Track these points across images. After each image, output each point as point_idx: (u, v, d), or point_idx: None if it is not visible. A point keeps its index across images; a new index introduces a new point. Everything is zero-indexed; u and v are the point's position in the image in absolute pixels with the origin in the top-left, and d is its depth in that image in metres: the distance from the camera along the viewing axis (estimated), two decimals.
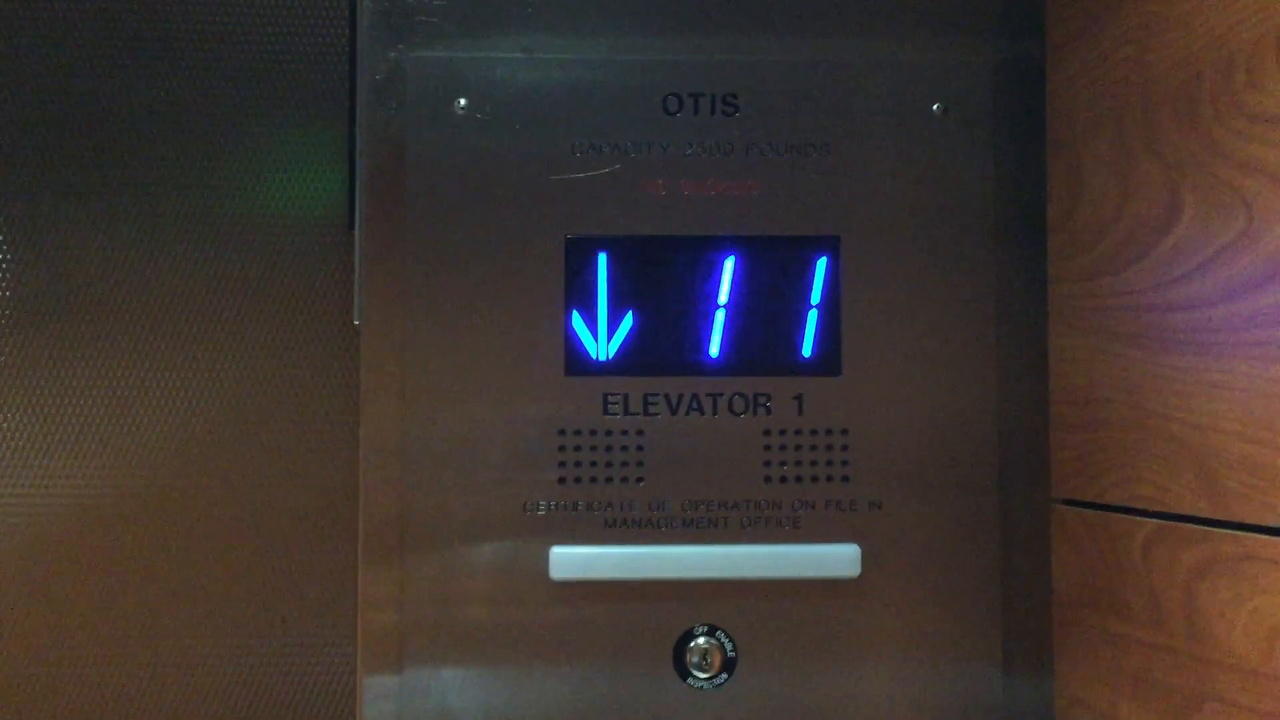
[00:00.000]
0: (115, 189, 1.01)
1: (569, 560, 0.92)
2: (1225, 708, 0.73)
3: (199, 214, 1.02)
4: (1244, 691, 0.71)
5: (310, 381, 1.03)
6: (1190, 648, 0.76)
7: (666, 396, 0.93)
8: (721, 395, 0.94)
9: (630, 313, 0.93)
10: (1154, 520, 0.80)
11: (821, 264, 0.94)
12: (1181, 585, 0.77)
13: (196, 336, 1.02)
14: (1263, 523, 0.69)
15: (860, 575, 0.93)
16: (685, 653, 0.93)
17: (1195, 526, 0.75)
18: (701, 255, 0.94)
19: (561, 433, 0.93)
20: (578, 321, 0.93)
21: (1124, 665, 0.84)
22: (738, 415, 0.93)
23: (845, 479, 0.93)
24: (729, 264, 0.94)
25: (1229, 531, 0.72)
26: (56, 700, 1.02)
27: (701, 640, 0.93)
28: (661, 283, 0.94)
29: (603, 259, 0.93)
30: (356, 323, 0.94)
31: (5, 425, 1.01)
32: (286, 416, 1.03)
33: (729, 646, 0.93)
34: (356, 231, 0.94)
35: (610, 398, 0.93)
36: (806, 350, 0.94)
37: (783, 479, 0.93)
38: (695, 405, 0.93)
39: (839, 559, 0.93)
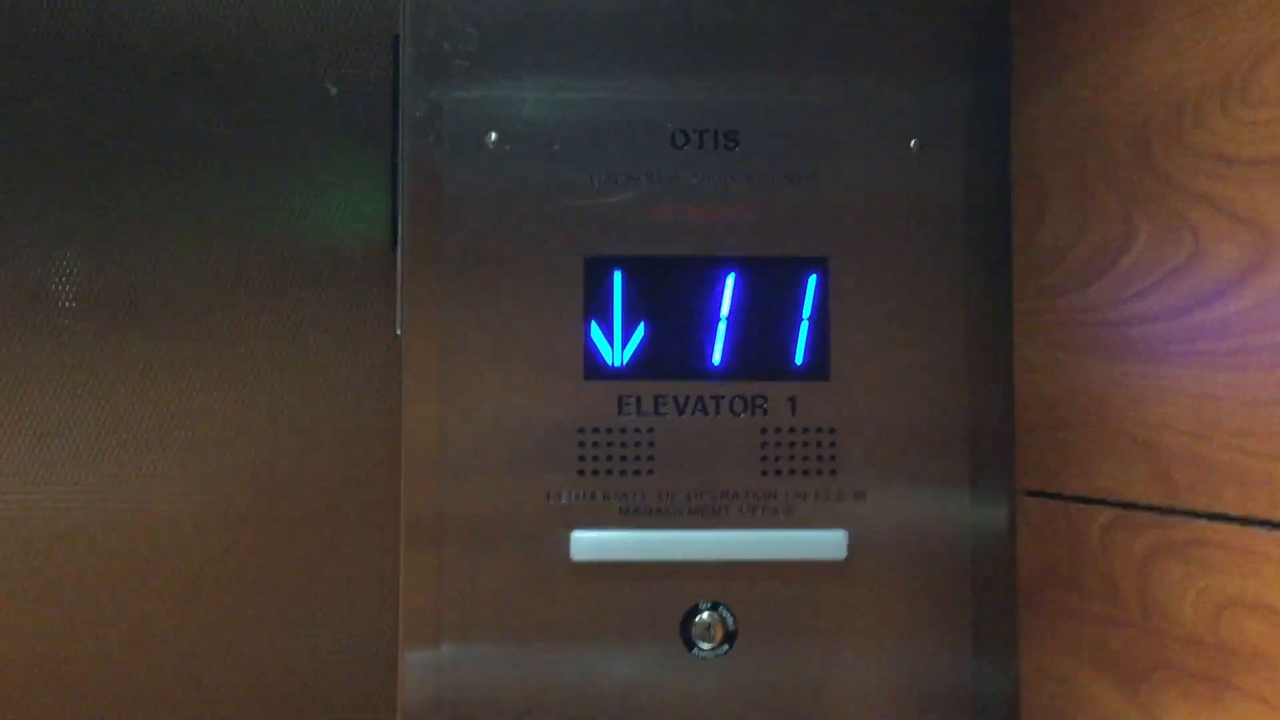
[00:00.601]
0: (180, 212, 1.02)
1: (588, 543, 0.94)
2: (1176, 674, 0.75)
3: (257, 235, 1.02)
4: (1194, 659, 0.73)
5: (357, 387, 1.03)
6: (1144, 622, 0.78)
7: (675, 398, 0.95)
8: (723, 397, 0.96)
9: (642, 324, 0.95)
10: (1111, 509, 0.82)
11: (812, 281, 0.96)
12: (1136, 567, 0.79)
13: (249, 343, 1.02)
14: (1210, 510, 0.71)
15: (847, 558, 0.95)
16: (691, 626, 0.95)
17: (1149, 514, 0.77)
18: (705, 273, 0.96)
19: (581, 431, 0.95)
20: (595, 332, 0.95)
21: (1083, 637, 0.86)
22: (738, 415, 0.95)
23: (833, 472, 0.96)
24: (729, 281, 0.96)
25: (1180, 519, 0.74)
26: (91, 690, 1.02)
27: (706, 615, 0.95)
28: (670, 297, 0.96)
29: (618, 276, 0.95)
30: (398, 334, 0.95)
31: (67, 429, 1.01)
32: (334, 418, 1.03)
33: (730, 620, 0.95)
34: (398, 252, 0.96)
35: (624, 399, 0.95)
36: (799, 358, 0.96)
37: (778, 472, 0.95)
38: (700, 406, 0.95)
39: (828, 543, 0.95)
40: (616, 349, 0.95)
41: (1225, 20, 0.71)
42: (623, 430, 0.95)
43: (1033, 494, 0.93)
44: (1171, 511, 0.75)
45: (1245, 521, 0.69)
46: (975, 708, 0.96)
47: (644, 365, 0.96)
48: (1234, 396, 0.70)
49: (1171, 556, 0.75)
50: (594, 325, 0.95)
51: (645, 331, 0.96)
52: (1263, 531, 0.68)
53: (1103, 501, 0.83)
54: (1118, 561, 0.81)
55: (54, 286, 1.00)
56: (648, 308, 0.96)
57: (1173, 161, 0.75)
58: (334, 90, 0.99)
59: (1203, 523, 0.72)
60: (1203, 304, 0.72)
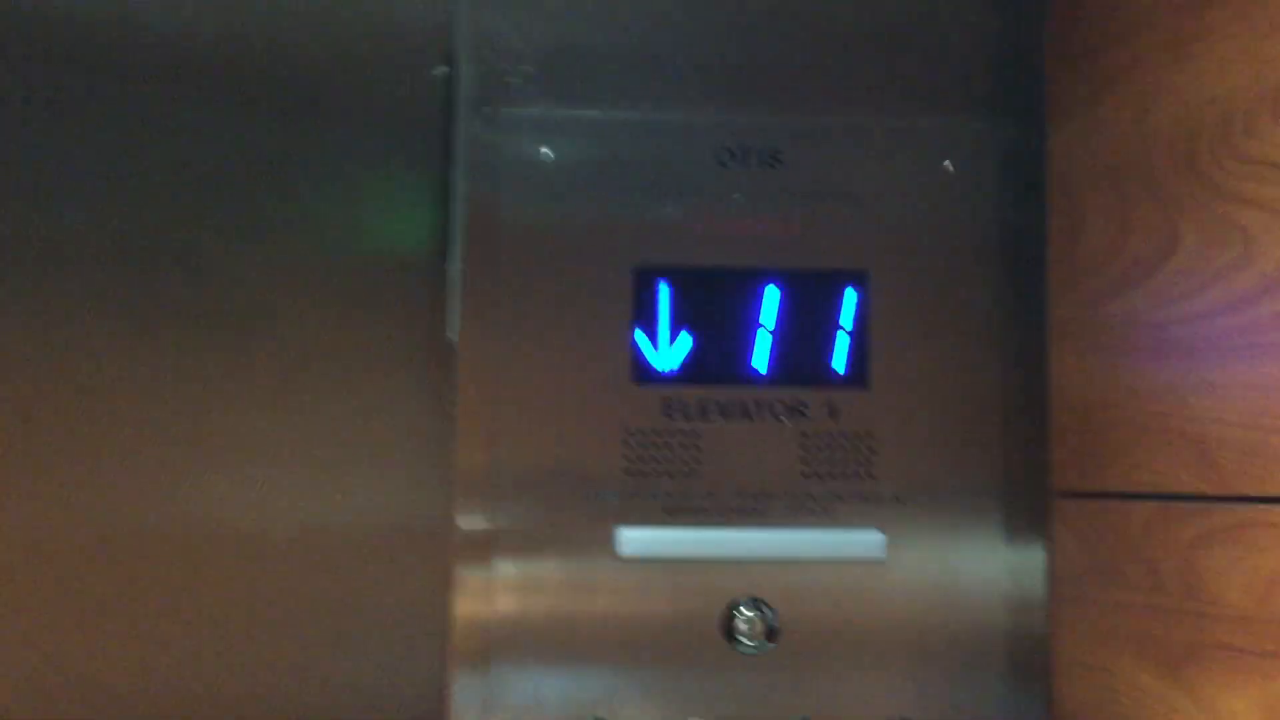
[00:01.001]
0: (251, 227, 1.01)
1: (634, 540, 0.94)
2: (1224, 653, 0.76)
3: (318, 248, 1.02)
4: (1243, 636, 0.74)
5: (406, 394, 1.02)
6: (1189, 606, 0.79)
7: (719, 403, 0.96)
8: (766, 403, 0.96)
9: (688, 331, 0.96)
10: (1154, 502, 0.83)
11: (851, 293, 0.97)
12: (1181, 555, 0.80)
13: (300, 356, 1.02)
14: (1260, 494, 0.73)
15: (885, 558, 0.95)
16: (733, 622, 0.95)
17: (1195, 503, 0.78)
18: (749, 284, 0.97)
19: (629, 432, 0.95)
20: (642, 338, 0.96)
21: (1122, 628, 0.86)
22: (780, 420, 0.96)
23: (872, 476, 0.96)
24: (772, 292, 0.97)
25: (1228, 505, 0.75)
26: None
27: (748, 612, 0.95)
28: (715, 307, 0.97)
29: (665, 286, 0.96)
30: (451, 339, 0.95)
31: (128, 440, 0.99)
32: (382, 428, 1.02)
33: (772, 617, 0.95)
34: (453, 261, 0.96)
35: (670, 403, 0.96)
36: (839, 366, 0.97)
37: (818, 475, 0.96)
38: (743, 411, 0.96)
39: (867, 544, 0.95)
40: (663, 355, 0.96)
41: (1276, 39, 0.73)
42: (669, 433, 0.96)
43: (1069, 495, 0.94)
44: (1219, 499, 0.76)
45: None
46: (1011, 703, 0.96)
47: (690, 371, 0.96)
48: None
49: (1219, 541, 0.76)
50: (641, 332, 0.96)
51: (691, 339, 0.96)
52: None
53: (1145, 495, 0.84)
54: (1161, 551, 0.82)
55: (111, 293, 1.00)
56: (694, 316, 0.97)
57: (1221, 169, 0.77)
58: (441, 70, 0.99)
59: (1252, 506, 0.73)
60: (1255, 300, 0.74)
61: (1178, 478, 0.80)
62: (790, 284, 0.97)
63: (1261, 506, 0.72)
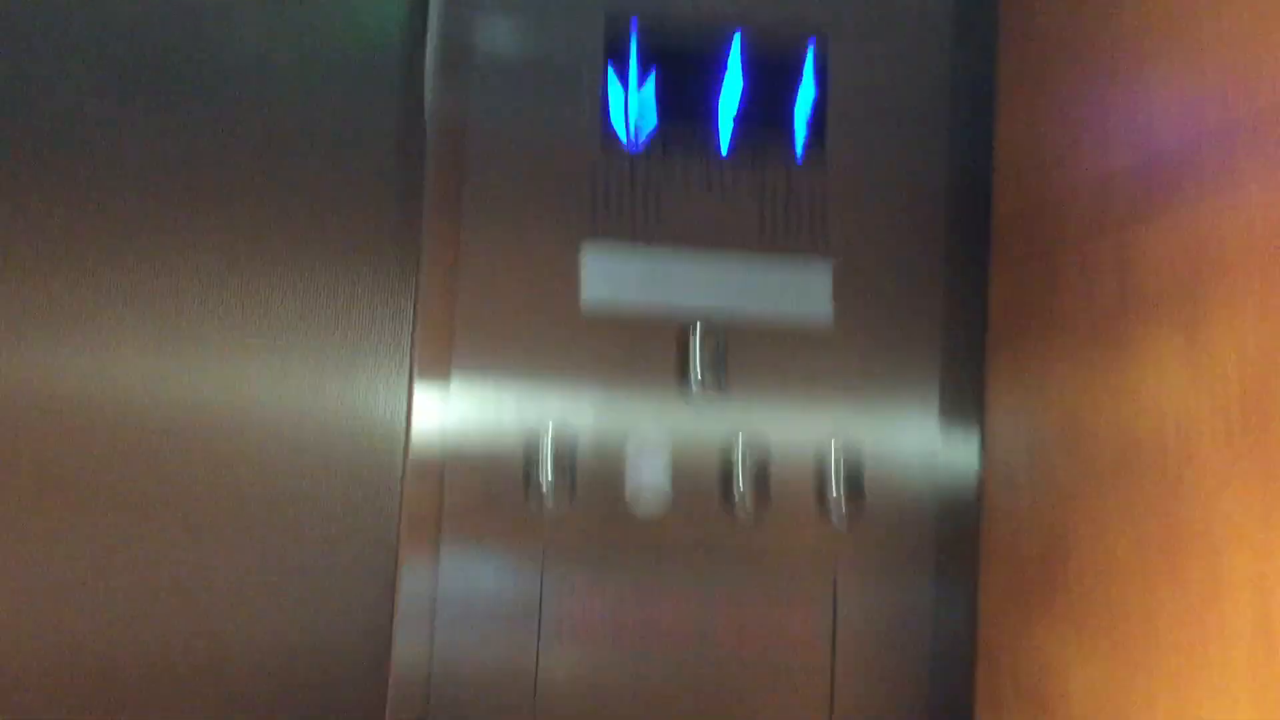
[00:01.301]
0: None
1: (598, 266, 0.97)
2: (1146, 322, 0.78)
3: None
4: (1173, 304, 0.76)
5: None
6: (1120, 300, 0.81)
7: (683, 165, 0.98)
8: (726, 169, 0.98)
9: (654, 75, 0.99)
10: (1091, 206, 0.85)
11: (810, 55, 1.00)
12: (1111, 259, 0.82)
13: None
14: (1192, 174, 0.75)
15: (832, 313, 0.97)
16: (687, 364, 0.96)
17: (1131, 197, 0.81)
18: (715, 34, 1.00)
19: (595, 188, 0.97)
20: (613, 82, 0.98)
21: (1054, 348, 0.89)
22: (740, 188, 0.98)
23: (825, 237, 0.98)
24: (736, 41, 1.00)
25: (1163, 193, 0.77)
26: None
27: (700, 353, 0.97)
28: (682, 61, 0.99)
29: (634, 33, 0.99)
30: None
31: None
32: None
33: (723, 360, 0.96)
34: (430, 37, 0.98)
35: (636, 167, 0.97)
36: (798, 141, 0.99)
37: (774, 236, 0.98)
38: (704, 179, 0.98)
39: (815, 276, 0.98)
40: (632, 103, 0.98)
41: None
42: (634, 190, 0.98)
43: (1009, 256, 0.95)
44: (1155, 185, 0.78)
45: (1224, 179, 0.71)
46: (942, 433, 0.98)
47: (655, 139, 0.99)
48: (1222, 80, 0.72)
49: (1151, 226, 0.78)
50: (613, 75, 0.98)
51: (657, 97, 0.99)
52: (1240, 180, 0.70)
53: (1085, 204, 0.85)
54: (1093, 251, 0.83)
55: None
56: (662, 63, 0.99)
57: None
58: None
59: (1185, 196, 0.74)
60: None
61: (1114, 179, 0.82)
62: (753, 37, 1.00)
63: (1190, 183, 0.74)
